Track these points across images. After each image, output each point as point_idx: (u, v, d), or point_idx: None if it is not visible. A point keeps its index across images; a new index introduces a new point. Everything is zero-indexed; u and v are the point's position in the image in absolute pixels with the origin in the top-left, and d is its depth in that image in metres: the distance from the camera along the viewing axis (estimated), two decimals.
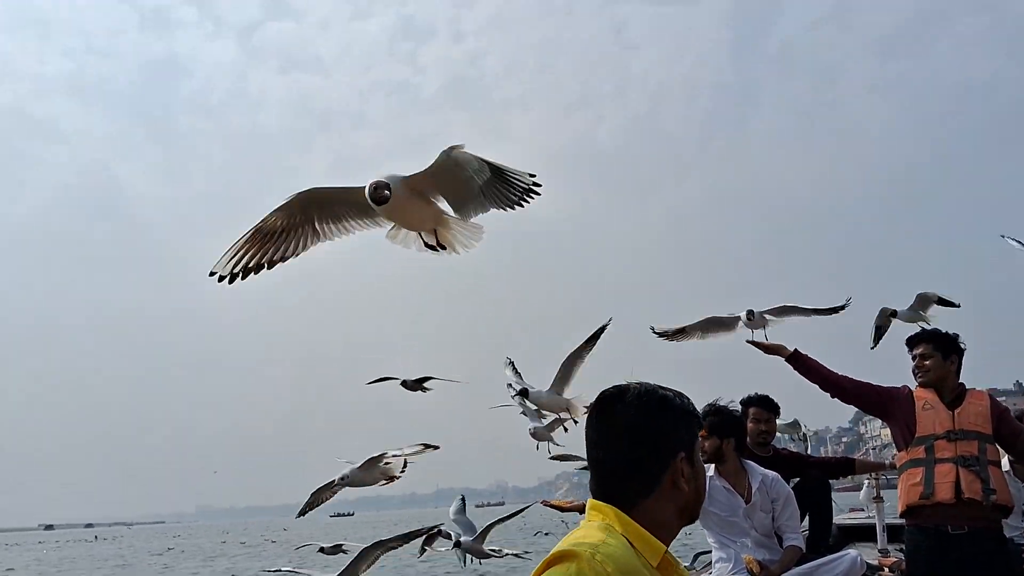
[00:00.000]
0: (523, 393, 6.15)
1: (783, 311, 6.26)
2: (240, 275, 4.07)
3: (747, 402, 5.59)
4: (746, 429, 5.03)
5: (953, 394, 4.15)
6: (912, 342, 4.31)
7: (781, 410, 5.60)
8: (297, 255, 4.18)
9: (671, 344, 6.62)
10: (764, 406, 5.56)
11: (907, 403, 4.20)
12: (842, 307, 6.28)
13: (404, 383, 7.28)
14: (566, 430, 6.53)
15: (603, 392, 1.73)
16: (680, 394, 1.74)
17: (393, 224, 4.27)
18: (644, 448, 1.65)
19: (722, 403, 4.78)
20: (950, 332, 4.29)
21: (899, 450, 4.25)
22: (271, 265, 4.12)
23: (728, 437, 4.68)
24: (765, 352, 4.66)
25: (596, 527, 1.59)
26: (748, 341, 4.83)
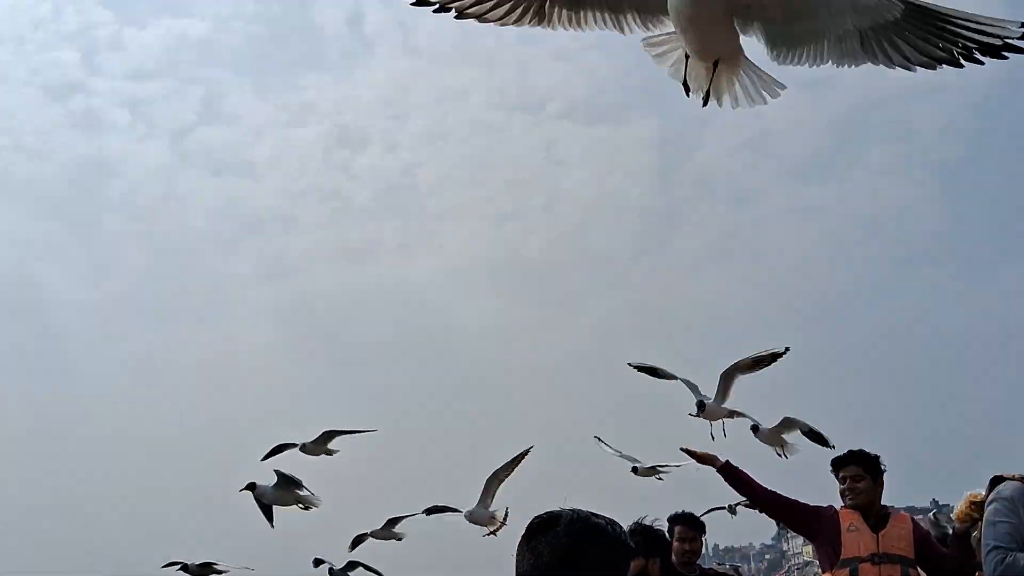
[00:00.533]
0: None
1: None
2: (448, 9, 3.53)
3: (673, 520, 5.51)
4: (670, 548, 4.94)
5: (877, 516, 4.14)
6: (840, 463, 4.30)
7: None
8: (511, 23, 3.49)
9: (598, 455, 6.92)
10: (690, 524, 5.49)
11: (832, 524, 4.18)
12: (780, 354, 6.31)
13: (304, 447, 7.27)
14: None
15: (536, 518, 1.67)
16: (613, 523, 1.67)
17: (666, 35, 3.43)
18: None
19: (647, 521, 4.70)
20: (871, 453, 4.31)
21: (823, 571, 4.21)
22: (480, 18, 3.51)
23: (653, 557, 4.58)
24: (697, 461, 4.62)
25: None
26: (682, 448, 4.76)
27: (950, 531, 6.36)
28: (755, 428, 6.90)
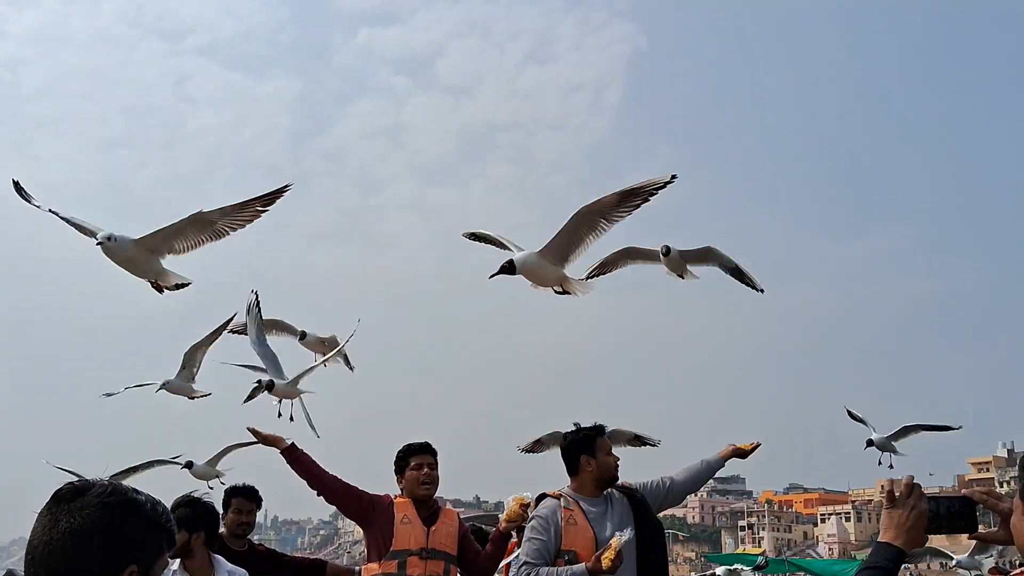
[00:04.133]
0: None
1: None
2: None
3: (232, 491, 5.30)
4: (218, 521, 4.66)
5: (430, 510, 4.18)
6: (419, 451, 4.31)
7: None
8: None
9: None
10: (248, 497, 5.31)
11: (387, 514, 4.15)
12: None
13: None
14: None
15: (66, 485, 1.47)
16: (156, 504, 1.51)
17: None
18: (90, 555, 1.39)
19: (197, 495, 4.41)
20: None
21: (370, 560, 4.17)
22: None
23: (197, 531, 4.29)
24: (262, 443, 4.37)
25: None
26: (249, 428, 4.49)
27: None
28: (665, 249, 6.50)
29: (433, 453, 4.31)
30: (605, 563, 3.57)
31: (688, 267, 6.53)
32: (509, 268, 5.42)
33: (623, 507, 3.92)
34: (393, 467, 4.30)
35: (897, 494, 1.92)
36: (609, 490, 4.00)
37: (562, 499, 3.87)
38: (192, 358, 7.48)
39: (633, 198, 5.04)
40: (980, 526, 1.97)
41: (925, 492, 1.94)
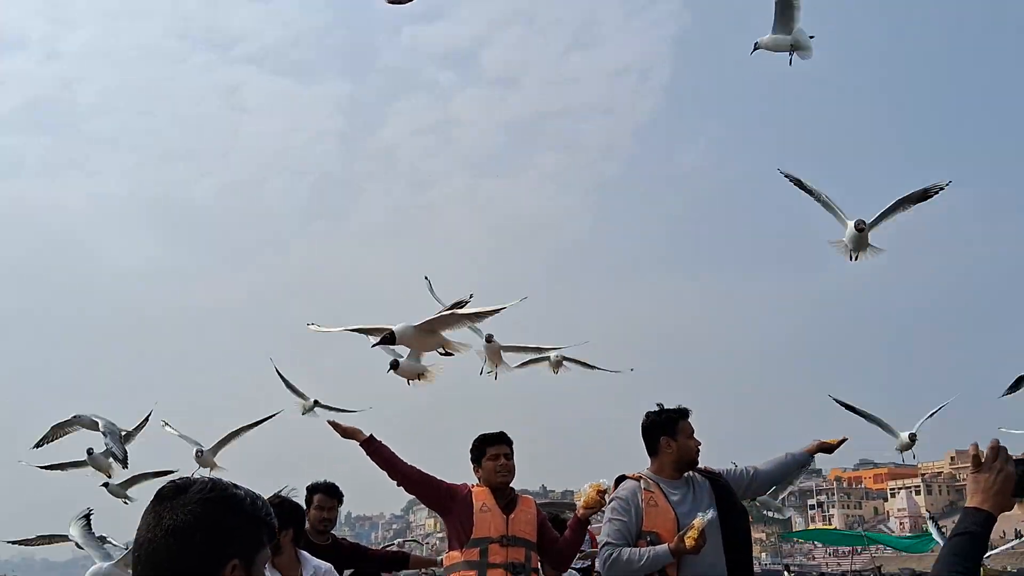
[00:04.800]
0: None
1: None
2: None
3: (313, 488, 5.42)
4: (304, 518, 4.74)
5: (507, 498, 4.20)
6: (493, 440, 4.32)
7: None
8: None
9: None
10: (329, 493, 5.43)
11: (466, 502, 4.17)
12: None
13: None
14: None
15: (168, 483, 1.49)
16: (256, 498, 1.52)
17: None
18: (193, 550, 1.41)
19: (283, 493, 4.52)
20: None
21: (451, 549, 4.20)
22: None
23: (285, 528, 4.37)
24: (341, 435, 4.43)
25: None
26: (329, 421, 4.56)
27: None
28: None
29: (508, 443, 4.31)
30: (688, 543, 3.54)
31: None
32: (390, 338, 5.84)
33: (705, 490, 3.87)
34: (469, 457, 4.32)
35: (983, 458, 1.87)
36: (691, 473, 3.95)
37: (642, 481, 3.84)
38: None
39: (487, 315, 5.72)
40: None
41: (1011, 456, 1.90)
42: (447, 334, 5.91)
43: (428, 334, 5.79)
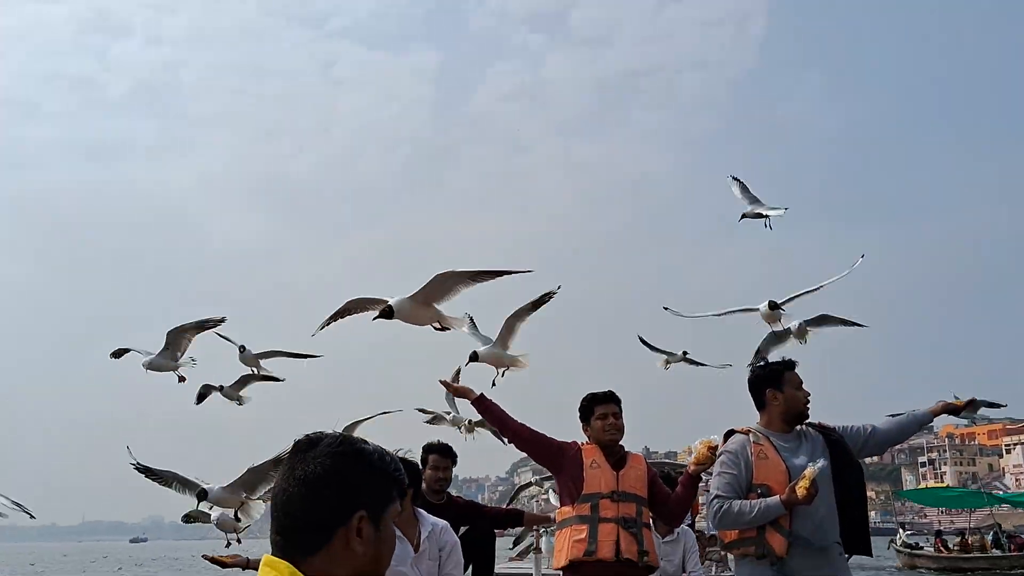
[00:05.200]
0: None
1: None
2: None
3: (428, 449, 5.58)
4: (421, 477, 4.90)
5: (617, 455, 4.24)
6: (602, 400, 4.35)
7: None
8: None
9: None
10: (443, 454, 5.59)
11: (576, 460, 4.22)
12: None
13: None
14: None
15: (301, 437, 1.56)
16: (385, 454, 1.57)
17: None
18: (322, 500, 1.48)
19: (401, 454, 4.69)
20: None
21: (563, 504, 4.26)
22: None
23: (408, 487, 4.55)
24: (453, 394, 4.55)
25: None
26: (441, 380, 4.68)
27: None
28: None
29: (617, 402, 4.33)
30: (800, 492, 3.49)
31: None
32: (388, 312, 5.75)
33: (817, 444, 3.80)
34: (578, 415, 4.37)
35: None
36: (803, 427, 3.88)
37: (751, 434, 3.81)
38: (177, 340, 7.74)
39: (486, 276, 5.57)
40: None
41: None
42: (443, 306, 5.89)
43: (424, 307, 5.77)
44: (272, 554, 1.50)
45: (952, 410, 4.20)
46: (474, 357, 5.69)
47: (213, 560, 4.63)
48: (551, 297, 5.92)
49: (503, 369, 6.27)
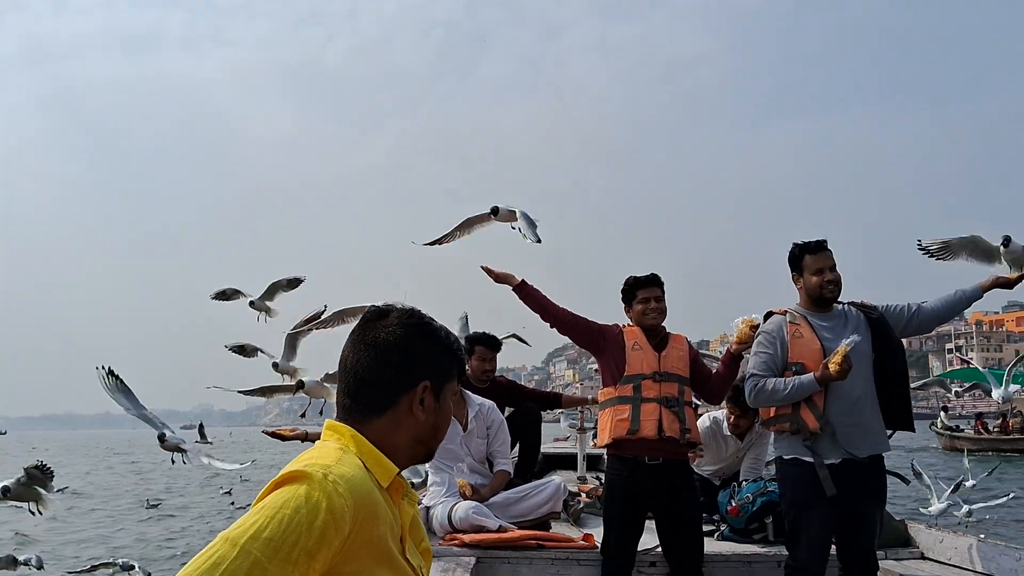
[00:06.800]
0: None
1: None
2: None
3: (475, 339, 5.74)
4: (466, 361, 5.00)
5: (659, 337, 4.26)
6: (646, 283, 4.34)
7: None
8: None
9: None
10: (490, 346, 5.71)
11: (617, 342, 4.26)
12: None
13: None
14: None
15: (369, 309, 1.60)
16: (450, 334, 1.62)
17: None
18: (390, 366, 1.51)
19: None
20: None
21: (605, 385, 4.31)
22: None
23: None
24: (495, 280, 4.55)
25: (332, 448, 1.45)
26: (482, 267, 4.65)
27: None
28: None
29: (660, 285, 4.31)
30: (832, 367, 3.50)
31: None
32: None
33: (858, 322, 3.78)
34: (621, 298, 4.38)
35: None
36: (845, 306, 3.87)
37: (788, 314, 3.82)
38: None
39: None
40: None
41: None
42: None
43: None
44: (337, 417, 1.54)
45: (1005, 283, 4.08)
46: (495, 212, 5.79)
47: (274, 434, 4.80)
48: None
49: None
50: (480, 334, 5.82)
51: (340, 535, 1.29)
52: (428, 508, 4.71)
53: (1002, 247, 4.68)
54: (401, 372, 1.52)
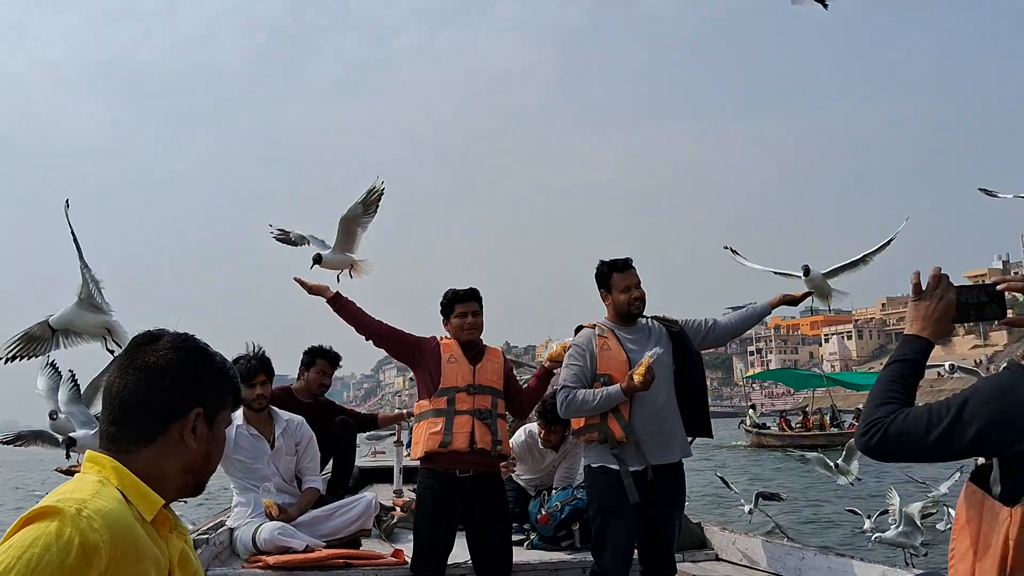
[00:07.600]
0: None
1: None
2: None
3: (318, 353, 5.57)
4: (273, 371, 4.83)
5: (475, 350, 4.24)
6: (465, 298, 4.27)
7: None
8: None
9: None
10: (331, 361, 5.60)
11: (434, 354, 4.20)
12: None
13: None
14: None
15: (141, 332, 1.50)
16: (226, 360, 1.53)
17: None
18: (161, 392, 1.42)
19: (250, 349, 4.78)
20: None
21: (421, 398, 4.25)
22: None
23: (261, 373, 4.71)
24: (308, 292, 4.39)
25: (90, 480, 1.35)
26: (295, 278, 4.46)
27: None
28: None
29: (478, 300, 4.30)
30: (636, 378, 3.62)
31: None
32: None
33: (660, 335, 3.92)
34: (440, 311, 4.31)
35: (924, 286, 1.85)
36: (649, 321, 3.99)
37: (596, 328, 3.91)
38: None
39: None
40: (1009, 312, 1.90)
41: (951, 283, 1.85)
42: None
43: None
44: (101, 446, 1.43)
45: (790, 301, 4.33)
46: (317, 260, 5.35)
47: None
48: (378, 193, 5.54)
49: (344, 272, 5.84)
50: (325, 348, 5.61)
51: (95, 574, 1.19)
52: (232, 530, 4.45)
53: (803, 276, 5.08)
54: (172, 398, 1.42)
